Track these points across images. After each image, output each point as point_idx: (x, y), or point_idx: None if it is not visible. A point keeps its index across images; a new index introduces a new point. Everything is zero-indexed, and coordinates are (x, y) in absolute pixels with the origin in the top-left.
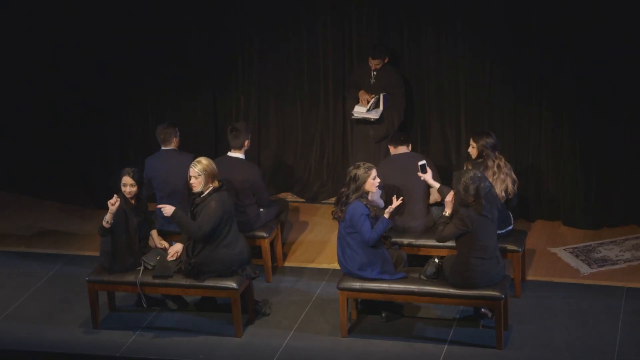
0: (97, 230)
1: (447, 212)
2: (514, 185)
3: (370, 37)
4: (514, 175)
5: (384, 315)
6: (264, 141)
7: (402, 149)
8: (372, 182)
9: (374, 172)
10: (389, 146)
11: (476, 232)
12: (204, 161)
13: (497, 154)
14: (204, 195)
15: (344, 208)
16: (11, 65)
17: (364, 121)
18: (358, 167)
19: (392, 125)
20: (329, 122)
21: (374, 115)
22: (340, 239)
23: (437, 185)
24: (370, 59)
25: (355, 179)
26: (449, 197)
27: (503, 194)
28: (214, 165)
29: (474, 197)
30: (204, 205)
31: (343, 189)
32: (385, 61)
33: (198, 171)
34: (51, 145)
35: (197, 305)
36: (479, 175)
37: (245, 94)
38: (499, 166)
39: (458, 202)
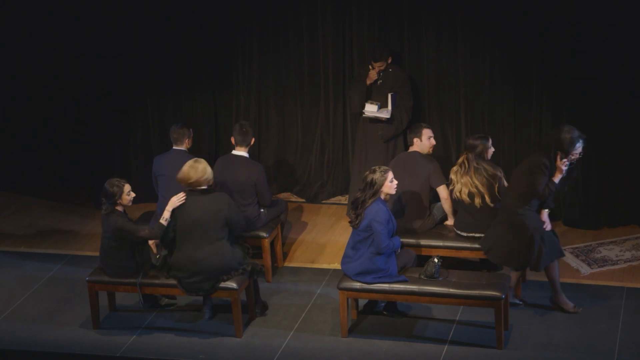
0: (152, 234)
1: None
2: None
3: (371, 37)
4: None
5: (384, 313)
6: (264, 141)
7: (412, 148)
8: (390, 185)
9: (390, 175)
10: (414, 138)
11: None
12: (200, 165)
13: (469, 154)
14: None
15: (360, 212)
16: (11, 65)
17: (376, 120)
18: (374, 171)
19: (402, 125)
20: (329, 122)
21: (385, 114)
22: (351, 243)
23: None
24: (373, 62)
25: (372, 183)
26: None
27: (466, 197)
28: (194, 174)
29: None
30: None
31: (358, 194)
32: (389, 61)
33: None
34: (51, 145)
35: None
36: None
37: (245, 94)
38: (463, 164)
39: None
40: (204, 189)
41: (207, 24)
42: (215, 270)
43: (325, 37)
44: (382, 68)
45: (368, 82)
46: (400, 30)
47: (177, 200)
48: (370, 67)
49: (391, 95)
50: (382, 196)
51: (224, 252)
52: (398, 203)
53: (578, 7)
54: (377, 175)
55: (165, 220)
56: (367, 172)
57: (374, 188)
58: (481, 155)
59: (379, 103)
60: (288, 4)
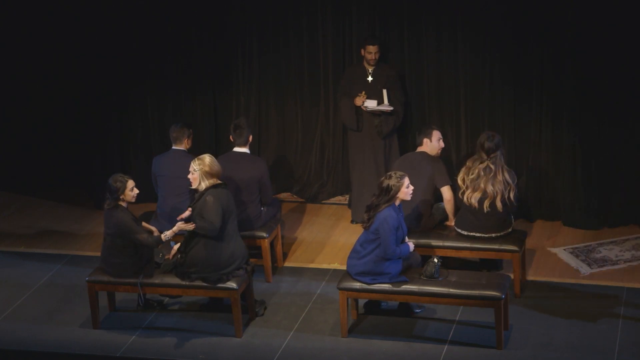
0: (149, 242)
1: None
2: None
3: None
4: (508, 179)
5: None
6: (264, 141)
7: (420, 148)
8: (406, 191)
9: (406, 181)
10: (424, 139)
11: None
12: (206, 159)
13: (483, 155)
14: (200, 192)
15: (372, 215)
16: (11, 65)
17: (379, 113)
18: (390, 177)
19: (399, 119)
20: (329, 122)
21: (387, 107)
22: (360, 240)
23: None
24: (369, 47)
25: (388, 189)
26: None
27: (475, 203)
28: (215, 164)
29: None
30: (203, 203)
31: (373, 199)
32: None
33: (195, 167)
34: (51, 145)
35: (204, 306)
36: None
37: (246, 94)
38: (488, 169)
39: None
40: (225, 183)
41: (207, 24)
42: (242, 259)
43: (325, 37)
44: (377, 55)
45: (354, 102)
46: (400, 30)
47: (184, 226)
48: (362, 50)
49: (385, 91)
50: (397, 202)
51: (242, 242)
52: (416, 210)
53: (578, 7)
54: (393, 182)
55: (165, 237)
56: (383, 178)
57: (389, 194)
58: (503, 155)
59: (376, 100)
60: (288, 4)
